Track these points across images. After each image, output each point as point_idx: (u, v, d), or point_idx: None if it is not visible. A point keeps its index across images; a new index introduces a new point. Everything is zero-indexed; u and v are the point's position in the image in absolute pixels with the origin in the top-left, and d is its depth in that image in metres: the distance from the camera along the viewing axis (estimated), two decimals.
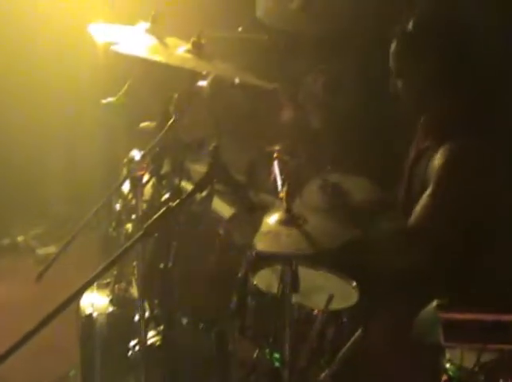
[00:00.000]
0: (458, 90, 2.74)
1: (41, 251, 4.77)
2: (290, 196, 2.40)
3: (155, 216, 2.08)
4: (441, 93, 2.74)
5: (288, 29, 3.52)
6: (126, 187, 2.77)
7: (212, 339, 2.66)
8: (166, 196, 2.63)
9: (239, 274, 2.58)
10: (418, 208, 2.68)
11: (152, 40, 2.70)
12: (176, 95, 2.63)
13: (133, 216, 2.70)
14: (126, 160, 2.52)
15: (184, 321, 2.60)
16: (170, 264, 2.60)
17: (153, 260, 2.66)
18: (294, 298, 2.36)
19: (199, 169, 2.66)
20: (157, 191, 2.76)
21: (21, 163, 5.06)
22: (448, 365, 2.12)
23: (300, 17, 3.37)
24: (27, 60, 4.77)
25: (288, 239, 2.30)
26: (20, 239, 4.96)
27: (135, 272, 2.63)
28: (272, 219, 2.38)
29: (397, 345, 2.45)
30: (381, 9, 3.57)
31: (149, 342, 2.64)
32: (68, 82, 4.80)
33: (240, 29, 3.69)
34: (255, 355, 2.54)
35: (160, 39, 2.72)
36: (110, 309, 2.94)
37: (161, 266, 2.63)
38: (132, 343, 2.64)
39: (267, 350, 2.49)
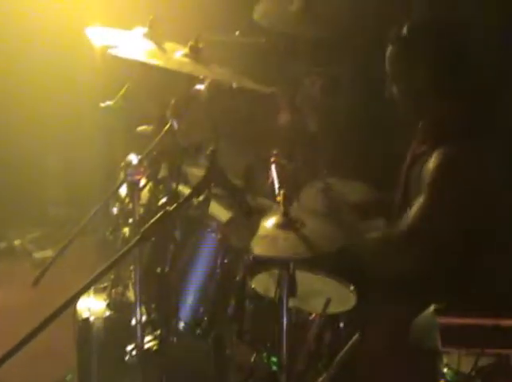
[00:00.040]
0: (454, 94, 2.74)
1: (38, 255, 4.76)
2: (287, 199, 2.40)
3: (152, 221, 2.08)
4: (437, 98, 2.74)
5: (288, 31, 3.52)
6: (124, 191, 2.77)
7: (210, 343, 2.66)
8: (163, 200, 2.63)
9: (237, 278, 2.58)
10: (413, 209, 2.68)
11: (149, 45, 2.71)
12: (173, 100, 2.63)
13: (131, 220, 2.69)
14: (123, 164, 2.51)
15: (181, 325, 2.59)
16: (167, 268, 2.60)
17: (149, 264, 2.66)
18: (292, 302, 2.36)
19: (197, 172, 2.66)
20: (155, 195, 2.75)
21: (18, 166, 5.05)
22: (445, 370, 2.12)
23: (301, 19, 3.36)
24: (25, 62, 4.76)
25: (286, 243, 2.29)
26: (17, 242, 4.95)
27: (132, 276, 2.62)
28: (269, 223, 2.37)
29: (395, 350, 2.45)
30: (380, 10, 3.57)
31: (146, 347, 2.64)
32: (66, 85, 4.79)
33: (237, 32, 3.69)
34: (253, 359, 2.54)
35: (158, 43, 2.72)
36: (107, 313, 2.93)
37: (158, 270, 2.62)
38: (129, 347, 2.63)
39: (265, 354, 2.49)
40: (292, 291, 2.32)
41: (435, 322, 2.11)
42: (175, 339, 2.62)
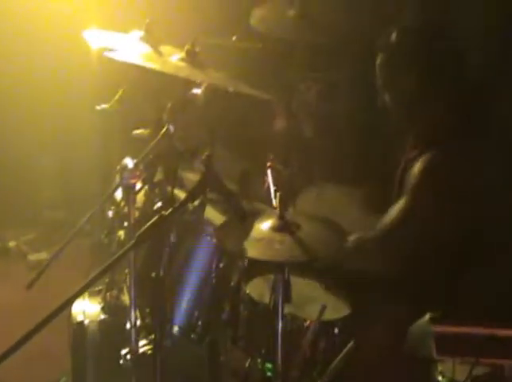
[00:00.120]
0: (445, 100, 2.73)
1: (33, 257, 4.75)
2: (283, 204, 2.39)
3: (147, 224, 2.08)
4: (427, 105, 2.74)
5: (285, 36, 3.51)
6: (119, 194, 2.76)
7: (204, 348, 2.66)
8: (159, 204, 2.62)
9: (232, 283, 2.58)
10: (390, 213, 2.67)
11: (146, 48, 2.71)
12: (169, 104, 2.62)
13: (126, 224, 2.69)
14: (118, 167, 2.51)
15: (176, 330, 2.59)
16: (162, 273, 2.59)
17: (144, 268, 2.65)
18: (287, 309, 2.35)
19: (192, 177, 2.66)
20: (150, 199, 2.75)
21: (14, 168, 5.04)
22: (439, 378, 2.12)
23: (298, 25, 3.36)
24: (21, 65, 4.75)
25: (281, 246, 2.28)
26: (11, 244, 4.93)
27: (127, 280, 2.62)
28: (265, 225, 2.36)
29: (390, 358, 2.44)
30: (377, 14, 3.58)
31: (141, 350, 2.63)
32: (62, 87, 4.79)
33: (234, 37, 3.68)
34: (247, 365, 2.54)
35: (155, 47, 2.72)
36: (102, 316, 2.93)
37: (153, 274, 2.62)
38: (123, 351, 2.63)
39: (259, 360, 2.49)
40: (287, 297, 2.31)
41: (430, 330, 2.11)
42: (169, 343, 2.61)
